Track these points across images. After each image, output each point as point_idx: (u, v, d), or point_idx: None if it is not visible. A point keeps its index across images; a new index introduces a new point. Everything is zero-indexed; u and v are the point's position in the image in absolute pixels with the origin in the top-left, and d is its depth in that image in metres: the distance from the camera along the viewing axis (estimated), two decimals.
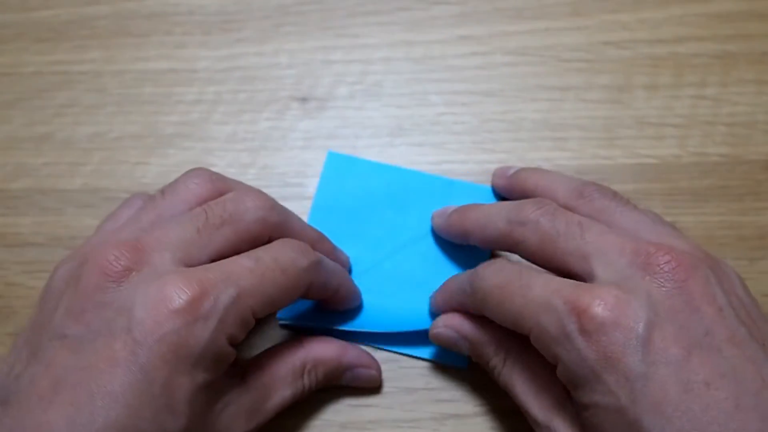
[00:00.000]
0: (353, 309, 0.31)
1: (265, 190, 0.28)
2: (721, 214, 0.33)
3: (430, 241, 0.33)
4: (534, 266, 0.26)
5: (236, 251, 0.26)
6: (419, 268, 0.32)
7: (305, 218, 0.33)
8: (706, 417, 0.20)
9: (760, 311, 0.24)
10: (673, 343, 0.21)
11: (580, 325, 0.22)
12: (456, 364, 0.31)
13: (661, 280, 0.23)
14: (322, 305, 0.30)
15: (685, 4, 0.37)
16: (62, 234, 0.34)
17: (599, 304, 0.22)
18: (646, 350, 0.21)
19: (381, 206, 0.33)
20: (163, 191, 0.27)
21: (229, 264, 0.24)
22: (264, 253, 0.25)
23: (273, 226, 0.27)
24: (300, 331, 0.31)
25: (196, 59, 0.38)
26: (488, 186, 0.34)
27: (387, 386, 0.31)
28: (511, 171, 0.32)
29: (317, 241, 0.29)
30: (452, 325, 0.28)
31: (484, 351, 0.28)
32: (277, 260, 0.25)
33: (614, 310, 0.22)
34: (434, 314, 0.30)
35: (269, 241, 0.27)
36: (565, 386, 0.24)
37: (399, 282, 0.32)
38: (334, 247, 0.31)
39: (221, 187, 0.27)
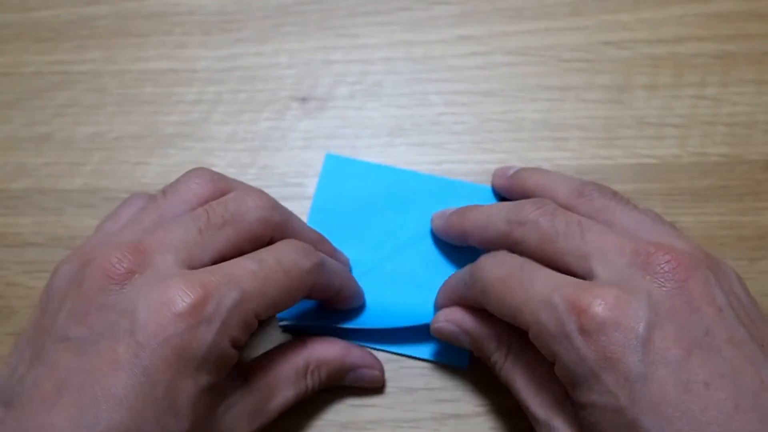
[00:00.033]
0: (355, 309, 0.31)
1: (265, 190, 0.28)
2: (721, 214, 0.33)
3: (429, 241, 0.33)
4: (535, 262, 0.26)
5: (238, 251, 0.26)
6: (419, 269, 0.32)
7: (305, 219, 0.33)
8: (705, 417, 0.20)
9: (759, 312, 0.24)
10: (674, 344, 0.21)
11: (580, 324, 0.22)
12: (456, 364, 0.31)
13: (661, 280, 0.23)
14: (325, 305, 0.30)
15: (685, 4, 0.38)
16: (62, 234, 0.34)
17: (600, 303, 0.22)
18: (646, 350, 0.21)
19: (380, 207, 0.33)
20: (164, 191, 0.27)
21: (232, 266, 0.24)
22: (267, 255, 0.25)
23: (275, 226, 0.27)
24: (302, 332, 0.31)
25: (196, 59, 0.38)
26: (488, 186, 0.34)
27: (387, 386, 0.31)
28: (511, 171, 0.32)
29: (317, 243, 0.29)
30: (453, 319, 0.28)
31: (486, 346, 0.27)
32: (280, 262, 0.25)
33: (615, 310, 0.22)
34: (437, 310, 0.30)
35: (271, 241, 0.27)
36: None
37: (399, 283, 0.32)
38: (334, 249, 0.31)
39: (222, 186, 0.27)
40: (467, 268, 0.27)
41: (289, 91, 0.37)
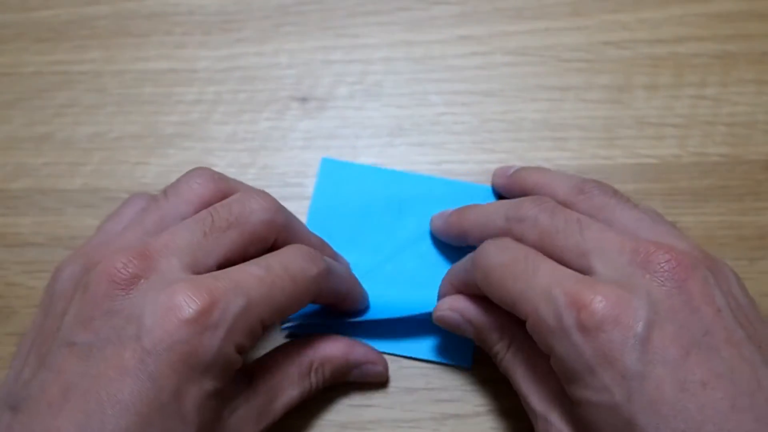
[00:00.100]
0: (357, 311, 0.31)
1: (265, 190, 0.28)
2: (721, 214, 0.33)
3: (428, 242, 0.33)
4: (539, 253, 0.26)
5: (243, 254, 0.25)
6: (419, 270, 0.32)
7: (304, 220, 0.33)
8: (702, 417, 0.20)
9: (757, 312, 0.24)
10: (672, 343, 0.21)
11: (579, 320, 0.22)
12: (461, 364, 0.31)
13: (661, 280, 0.23)
14: (329, 308, 0.30)
15: (685, 4, 0.37)
16: (62, 234, 0.34)
17: (600, 300, 0.22)
18: (645, 349, 0.21)
19: (378, 210, 0.33)
20: (165, 192, 0.27)
21: (239, 272, 0.24)
22: (274, 261, 0.25)
23: (279, 228, 0.27)
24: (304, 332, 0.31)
25: (196, 59, 0.38)
26: (488, 186, 0.34)
27: (387, 386, 0.31)
28: (511, 170, 0.32)
29: (319, 247, 0.29)
30: (457, 308, 0.28)
31: (489, 336, 0.27)
32: (287, 269, 0.25)
33: (615, 307, 0.22)
34: (440, 299, 0.29)
35: (275, 242, 0.27)
36: None
37: (399, 284, 0.32)
38: (335, 254, 0.31)
39: (223, 187, 0.27)
40: (469, 254, 0.27)
41: (289, 91, 0.37)
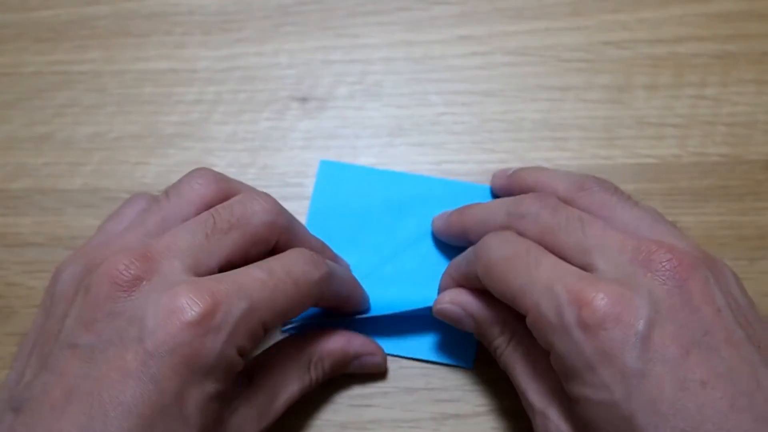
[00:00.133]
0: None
1: (264, 190, 0.28)
2: (721, 214, 0.33)
3: (428, 242, 0.33)
4: (542, 247, 0.26)
5: (244, 255, 0.25)
6: (419, 270, 0.32)
7: (304, 220, 0.33)
8: (701, 416, 0.20)
9: (756, 313, 0.24)
10: (672, 342, 0.21)
11: (580, 317, 0.22)
12: (462, 365, 0.31)
13: (662, 279, 0.23)
14: (330, 311, 0.30)
15: (685, 4, 0.37)
16: (62, 234, 0.34)
17: (602, 298, 0.22)
18: (645, 348, 0.21)
19: (377, 211, 0.33)
20: (167, 192, 0.27)
21: (241, 275, 0.24)
22: (276, 264, 0.25)
23: (281, 230, 0.27)
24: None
25: (196, 59, 0.38)
26: (487, 186, 0.34)
27: (387, 386, 0.31)
28: (510, 171, 0.32)
29: (320, 250, 0.29)
30: (459, 301, 0.28)
31: (489, 330, 0.27)
32: (289, 272, 0.25)
33: (617, 305, 0.22)
34: (440, 293, 0.29)
35: (276, 244, 0.27)
36: None
37: (399, 284, 0.32)
38: (335, 257, 0.31)
39: (225, 187, 0.27)
40: (471, 247, 0.27)
41: (289, 91, 0.37)
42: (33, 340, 0.25)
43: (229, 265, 0.25)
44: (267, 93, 0.37)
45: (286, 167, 0.35)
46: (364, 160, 0.35)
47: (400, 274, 0.32)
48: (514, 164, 0.34)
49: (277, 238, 0.27)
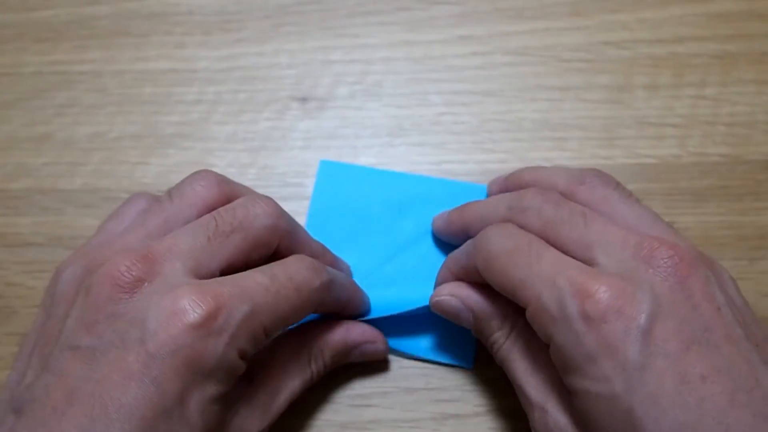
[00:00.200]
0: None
1: (265, 190, 0.28)
2: (721, 214, 0.33)
3: (428, 242, 0.33)
4: (543, 241, 0.26)
5: (246, 259, 0.25)
6: (419, 270, 0.32)
7: (304, 219, 0.33)
8: (701, 410, 0.21)
9: (752, 314, 0.24)
10: (673, 337, 0.21)
11: (583, 309, 0.22)
12: (462, 365, 0.31)
13: (664, 275, 0.23)
14: (331, 316, 0.30)
15: (685, 4, 0.38)
16: (62, 234, 0.34)
17: (605, 291, 0.22)
18: (646, 341, 0.21)
19: (377, 211, 0.33)
20: (169, 193, 0.27)
21: (244, 279, 0.24)
22: (279, 270, 0.25)
23: (282, 234, 0.27)
24: None
25: (196, 59, 0.38)
26: (484, 185, 0.33)
27: (387, 386, 0.31)
28: (507, 175, 0.32)
29: (320, 254, 0.29)
30: (458, 294, 0.27)
31: (488, 324, 0.27)
32: (291, 279, 0.25)
33: (619, 298, 0.22)
34: (437, 287, 0.29)
35: (278, 248, 0.27)
36: None
37: (400, 284, 0.32)
38: (336, 258, 0.31)
39: (227, 190, 0.27)
40: (471, 240, 0.27)
41: (289, 91, 0.37)
42: (33, 341, 0.25)
43: (231, 268, 0.25)
44: (267, 93, 0.37)
45: (286, 167, 0.35)
46: (364, 160, 0.35)
47: (400, 274, 0.32)
48: (514, 164, 0.34)
49: (278, 241, 0.27)
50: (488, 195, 0.33)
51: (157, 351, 0.22)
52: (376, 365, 0.31)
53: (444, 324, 0.29)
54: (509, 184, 0.32)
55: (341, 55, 0.37)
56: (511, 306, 0.26)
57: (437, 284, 0.29)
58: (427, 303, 0.29)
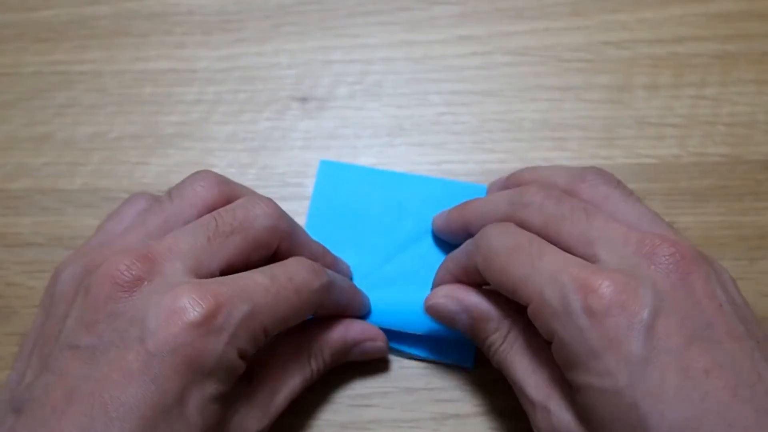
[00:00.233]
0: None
1: (265, 190, 0.28)
2: (721, 214, 0.33)
3: (428, 242, 0.33)
4: (543, 239, 0.26)
5: (246, 259, 0.25)
6: (419, 270, 0.32)
7: (304, 219, 0.33)
8: (704, 404, 0.21)
9: (752, 313, 0.24)
10: (676, 332, 0.22)
11: (586, 303, 0.22)
12: (463, 364, 0.31)
13: (666, 271, 0.23)
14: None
15: (685, 4, 0.38)
16: (62, 234, 0.34)
17: (608, 285, 0.22)
18: (650, 336, 0.21)
19: (377, 211, 0.33)
20: (169, 194, 0.27)
21: (244, 279, 0.24)
22: (279, 271, 0.25)
23: (282, 235, 0.27)
24: None
25: (196, 59, 0.38)
26: (484, 185, 0.33)
27: (387, 386, 0.31)
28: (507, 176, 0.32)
29: (320, 255, 0.29)
30: (455, 295, 0.27)
31: (485, 326, 0.27)
32: (291, 280, 0.25)
33: (622, 293, 0.22)
34: (435, 288, 0.29)
35: (277, 249, 0.27)
36: None
37: (400, 284, 0.32)
38: (336, 259, 0.31)
39: (227, 191, 0.27)
40: (471, 239, 0.27)
41: (289, 91, 0.37)
42: (33, 341, 0.25)
43: (230, 268, 0.25)
44: (267, 93, 0.37)
45: (286, 167, 0.35)
46: (364, 160, 0.35)
47: (400, 274, 0.32)
48: (514, 164, 0.34)
49: (278, 242, 0.27)
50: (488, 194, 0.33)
51: (157, 349, 0.22)
52: (376, 365, 0.31)
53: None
54: (509, 185, 0.31)
55: (341, 55, 0.37)
56: (507, 307, 0.26)
57: (435, 284, 0.29)
58: (422, 320, 0.29)
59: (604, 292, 0.22)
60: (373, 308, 0.31)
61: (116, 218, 0.29)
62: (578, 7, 0.38)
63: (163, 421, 0.21)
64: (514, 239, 0.25)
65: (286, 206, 0.28)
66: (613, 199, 0.27)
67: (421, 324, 0.30)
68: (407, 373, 0.31)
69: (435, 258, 0.32)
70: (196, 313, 0.22)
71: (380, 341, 0.30)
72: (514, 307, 0.25)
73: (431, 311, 0.28)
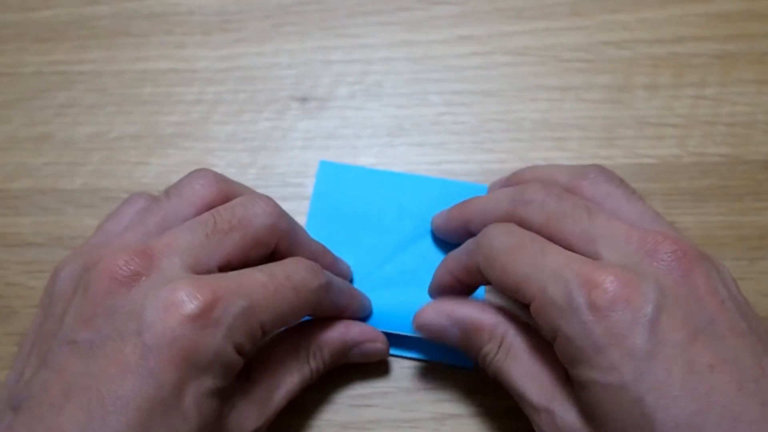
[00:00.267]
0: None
1: (265, 190, 0.28)
2: (721, 214, 0.33)
3: (428, 242, 0.33)
4: (545, 238, 0.26)
5: (244, 257, 0.25)
6: (420, 270, 0.32)
7: (304, 219, 0.33)
8: (710, 398, 0.21)
9: (752, 310, 0.24)
10: (680, 327, 0.22)
11: (590, 299, 0.22)
12: (463, 365, 0.31)
13: (668, 268, 0.23)
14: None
15: (685, 4, 0.38)
16: (62, 234, 0.34)
17: (612, 281, 0.22)
18: (654, 331, 0.21)
19: (377, 211, 0.33)
20: (167, 192, 0.27)
21: (243, 276, 0.24)
22: (277, 269, 0.25)
23: (281, 233, 0.27)
24: None
25: (196, 59, 0.38)
26: (484, 185, 0.33)
27: (387, 386, 0.31)
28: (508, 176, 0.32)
29: (320, 255, 0.29)
30: (443, 310, 0.27)
31: (478, 337, 0.27)
32: (289, 278, 0.25)
33: (626, 288, 0.22)
34: (432, 288, 0.29)
35: (276, 248, 0.27)
36: (564, 367, 0.24)
37: (400, 284, 0.32)
38: (336, 259, 0.31)
39: (226, 189, 0.27)
40: (471, 239, 0.27)
41: (289, 91, 0.37)
42: (32, 340, 0.25)
43: (229, 266, 0.25)
44: (267, 93, 0.37)
45: (286, 167, 0.35)
46: (364, 160, 0.35)
47: (400, 274, 0.32)
48: (514, 164, 0.34)
49: (277, 241, 0.27)
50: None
51: (154, 342, 0.22)
52: (376, 365, 0.31)
53: None
54: (510, 185, 0.31)
55: (341, 55, 0.37)
56: (498, 315, 0.26)
57: (434, 284, 0.29)
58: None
59: (608, 287, 0.22)
60: (373, 305, 0.31)
61: (115, 218, 0.29)
62: (578, 7, 0.38)
63: (160, 414, 0.21)
64: (517, 238, 0.25)
65: (286, 206, 0.28)
66: (615, 196, 0.27)
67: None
68: (407, 373, 0.31)
69: (435, 258, 0.32)
70: (193, 306, 0.22)
71: (380, 343, 0.30)
72: (506, 314, 0.25)
73: (421, 329, 0.28)
